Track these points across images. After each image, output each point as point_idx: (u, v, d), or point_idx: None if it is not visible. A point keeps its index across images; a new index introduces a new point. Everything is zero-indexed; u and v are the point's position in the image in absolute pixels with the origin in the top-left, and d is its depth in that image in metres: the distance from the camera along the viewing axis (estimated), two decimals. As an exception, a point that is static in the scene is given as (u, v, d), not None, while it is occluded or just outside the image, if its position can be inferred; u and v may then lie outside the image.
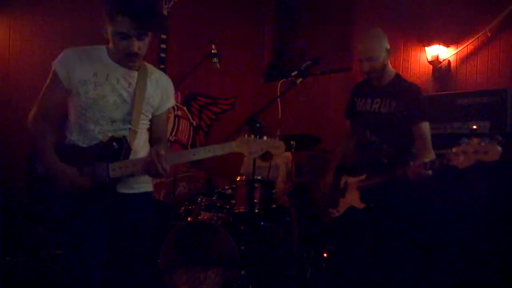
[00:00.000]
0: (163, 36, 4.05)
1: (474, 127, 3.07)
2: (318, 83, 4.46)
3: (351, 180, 2.48)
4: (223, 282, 2.96)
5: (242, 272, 2.92)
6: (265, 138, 1.82)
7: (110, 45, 1.78)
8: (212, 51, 3.44)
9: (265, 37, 5.26)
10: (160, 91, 1.91)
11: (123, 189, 1.79)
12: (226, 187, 3.37)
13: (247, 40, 5.10)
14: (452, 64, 3.97)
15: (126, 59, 1.76)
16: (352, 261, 2.47)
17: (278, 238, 3.39)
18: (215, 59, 3.44)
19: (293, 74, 2.74)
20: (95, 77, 1.76)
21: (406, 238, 2.45)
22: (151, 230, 1.93)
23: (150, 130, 1.94)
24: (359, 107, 2.56)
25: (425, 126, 2.34)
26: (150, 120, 1.93)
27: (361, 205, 2.38)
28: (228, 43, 4.73)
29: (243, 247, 2.99)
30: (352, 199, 2.43)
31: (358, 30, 4.42)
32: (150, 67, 1.93)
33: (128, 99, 1.81)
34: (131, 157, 1.77)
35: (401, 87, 2.43)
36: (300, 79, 2.78)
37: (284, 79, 2.87)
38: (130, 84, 1.82)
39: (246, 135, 1.81)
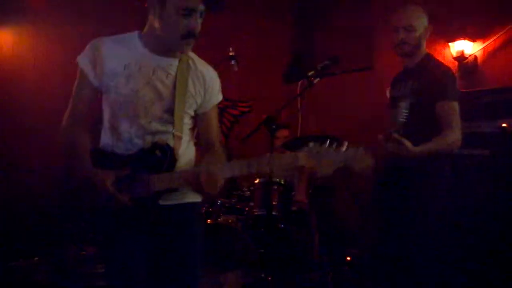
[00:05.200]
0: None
1: (504, 125, 2.94)
2: (338, 82, 4.39)
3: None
4: (242, 285, 2.96)
5: (262, 275, 2.90)
6: (343, 148, 1.33)
7: (149, 29, 1.54)
8: (230, 54, 3.44)
9: (284, 37, 5.23)
10: (205, 83, 1.62)
11: (163, 201, 1.52)
12: (245, 189, 3.36)
13: (266, 41, 5.07)
14: (479, 60, 3.83)
15: (183, 41, 1.49)
16: None
17: (299, 240, 3.35)
18: (233, 62, 3.44)
19: (309, 74, 2.72)
20: (126, 69, 1.52)
21: None
22: (197, 249, 1.63)
23: (195, 130, 1.69)
24: (395, 93, 2.46)
25: (448, 106, 2.19)
26: (195, 118, 1.66)
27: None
28: (246, 44, 4.72)
29: (262, 250, 2.97)
30: None
31: (378, 28, 4.33)
32: (192, 54, 1.64)
33: (166, 93, 1.54)
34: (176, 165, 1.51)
35: (429, 66, 2.32)
36: (318, 79, 2.76)
37: (304, 80, 2.86)
38: (168, 75, 1.55)
39: (312, 143, 1.35)
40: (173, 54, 1.58)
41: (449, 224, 2.55)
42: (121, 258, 1.56)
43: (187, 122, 1.63)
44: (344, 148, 1.33)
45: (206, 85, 1.63)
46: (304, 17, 5.18)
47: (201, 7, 1.48)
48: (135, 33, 1.59)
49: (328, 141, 1.34)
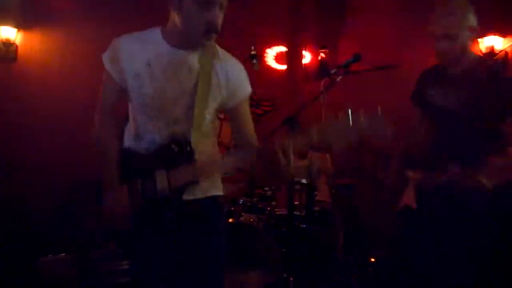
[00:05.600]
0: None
1: None
2: (361, 80, 4.33)
3: (411, 175, 2.11)
4: (264, 285, 2.95)
5: (284, 275, 2.88)
6: (355, 119, 1.31)
7: (170, 24, 1.51)
8: (252, 53, 3.44)
9: (307, 35, 5.18)
10: (228, 74, 1.56)
11: (186, 196, 1.51)
12: (266, 188, 3.34)
13: (288, 39, 5.05)
14: (510, 56, 3.70)
15: (204, 35, 1.45)
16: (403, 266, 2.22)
17: (322, 241, 3.32)
18: (254, 61, 3.44)
19: (332, 71, 2.69)
20: (148, 67, 1.48)
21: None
22: (220, 242, 1.63)
23: (221, 130, 1.71)
24: (431, 99, 2.11)
25: None
26: (226, 117, 1.68)
27: (414, 206, 2.03)
28: (269, 43, 4.71)
29: (284, 250, 2.95)
30: (408, 197, 2.08)
31: (405, 25, 4.24)
32: (216, 47, 1.58)
33: (189, 88, 1.50)
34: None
35: (484, 73, 1.96)
36: (340, 77, 2.72)
37: (327, 78, 2.82)
38: (191, 70, 1.51)
39: (328, 117, 1.33)
40: (196, 48, 1.53)
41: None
42: (146, 254, 1.57)
43: (210, 117, 1.57)
44: (359, 118, 1.28)
45: (230, 76, 1.57)
46: (326, 14, 5.12)
47: None
48: (158, 29, 1.55)
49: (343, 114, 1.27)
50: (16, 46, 3.89)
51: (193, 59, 1.52)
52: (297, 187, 3.20)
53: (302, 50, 5.06)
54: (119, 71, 1.52)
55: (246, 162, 1.51)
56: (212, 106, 1.55)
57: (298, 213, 3.16)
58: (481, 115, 1.93)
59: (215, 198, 1.62)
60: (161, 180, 1.46)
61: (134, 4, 4.23)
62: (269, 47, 4.74)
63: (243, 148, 1.65)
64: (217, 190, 1.64)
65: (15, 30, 3.86)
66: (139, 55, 1.50)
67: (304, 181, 3.24)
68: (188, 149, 1.48)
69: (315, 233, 3.26)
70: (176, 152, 1.48)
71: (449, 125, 2.01)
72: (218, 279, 1.61)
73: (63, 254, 3.32)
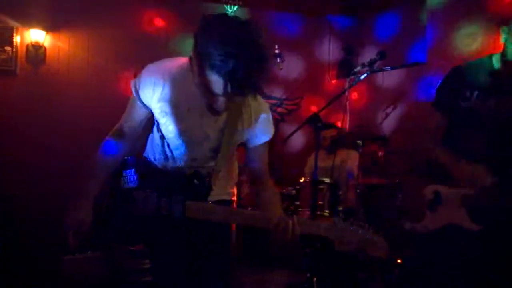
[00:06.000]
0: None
1: None
2: (387, 78, 4.25)
3: (446, 191, 1.92)
4: (287, 284, 2.94)
5: (308, 275, 2.86)
6: (360, 231, 1.42)
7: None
8: (275, 52, 3.43)
9: (333, 32, 5.12)
10: (252, 122, 1.57)
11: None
12: (290, 188, 3.33)
13: (314, 36, 5.00)
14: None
15: (208, 109, 1.46)
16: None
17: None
18: (278, 60, 3.43)
19: (356, 69, 2.65)
20: (176, 109, 1.51)
21: None
22: (226, 245, 1.73)
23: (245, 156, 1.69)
24: (468, 103, 1.89)
25: None
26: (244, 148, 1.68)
27: (473, 226, 1.83)
28: (293, 41, 4.68)
29: (308, 250, 2.93)
30: (455, 215, 1.89)
31: (431, 18, 4.13)
32: None
33: (213, 135, 1.55)
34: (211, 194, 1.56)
35: None
36: (365, 75, 2.68)
37: (352, 76, 2.79)
38: (217, 119, 1.52)
39: (337, 219, 1.45)
40: None
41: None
42: (162, 255, 1.65)
43: (232, 153, 1.66)
44: (365, 231, 1.42)
45: (254, 123, 1.58)
46: (355, 12, 5.06)
47: (225, 93, 1.33)
48: (186, 63, 1.44)
49: (352, 221, 1.44)
50: (45, 48, 4.00)
51: (221, 104, 1.42)
52: (321, 186, 3.16)
53: (326, 48, 5.02)
54: (148, 104, 1.54)
55: (257, 224, 1.54)
56: (234, 145, 1.63)
57: (322, 212, 3.13)
58: None
59: (223, 201, 1.68)
60: (176, 205, 1.53)
61: (158, 6, 4.29)
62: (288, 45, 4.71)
63: (256, 180, 1.70)
64: (227, 196, 1.73)
65: (43, 32, 3.97)
66: (169, 95, 1.50)
67: (328, 180, 3.21)
68: (208, 186, 1.55)
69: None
70: (197, 185, 1.55)
71: (496, 133, 1.83)
72: (224, 275, 1.70)
73: (89, 252, 3.38)
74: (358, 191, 3.35)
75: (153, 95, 1.51)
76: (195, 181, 1.55)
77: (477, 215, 1.82)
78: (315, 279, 2.83)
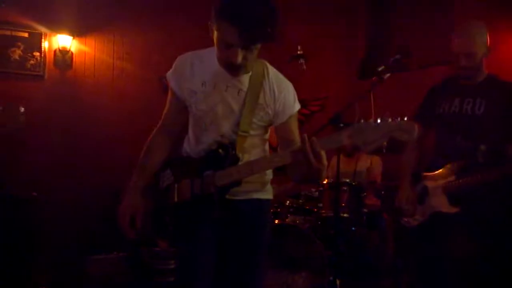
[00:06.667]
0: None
1: None
2: (413, 77, 4.16)
3: (432, 184, 2.29)
4: (311, 287, 2.90)
5: (331, 278, 2.82)
6: (382, 123, 1.32)
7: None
8: (298, 52, 3.41)
9: (358, 31, 5.05)
10: (275, 94, 1.64)
11: (230, 196, 1.62)
12: (313, 189, 3.29)
13: (338, 36, 4.95)
14: None
15: (228, 68, 1.57)
16: (444, 268, 2.23)
17: (370, 244, 3.22)
18: (301, 60, 3.40)
19: (379, 69, 2.60)
20: (203, 87, 1.63)
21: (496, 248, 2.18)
22: (258, 244, 1.71)
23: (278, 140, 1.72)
24: (443, 109, 2.32)
25: None
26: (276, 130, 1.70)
27: (452, 209, 2.18)
28: (317, 41, 4.65)
29: (331, 252, 2.89)
30: (438, 204, 2.25)
31: (457, 19, 4.03)
32: (267, 68, 1.67)
33: (236, 108, 1.63)
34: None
35: (498, 85, 2.23)
36: (388, 74, 2.63)
37: (376, 76, 2.74)
38: (240, 90, 1.62)
39: (362, 120, 1.34)
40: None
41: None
42: (191, 252, 1.66)
43: (258, 132, 1.68)
44: (386, 122, 1.32)
45: (277, 96, 1.64)
46: (378, 9, 4.98)
47: (242, 43, 1.46)
48: (214, 49, 1.60)
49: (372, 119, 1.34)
50: (72, 53, 4.11)
51: (244, 80, 1.62)
52: (344, 188, 3.12)
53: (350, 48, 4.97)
54: (179, 87, 1.67)
55: (281, 162, 1.54)
56: (258, 124, 1.66)
57: (345, 215, 3.09)
58: (497, 118, 2.16)
59: (257, 200, 1.71)
60: (208, 179, 1.59)
61: (182, 11, 4.33)
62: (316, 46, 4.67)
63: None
64: (262, 194, 1.74)
65: (70, 38, 4.07)
66: (197, 75, 1.64)
67: (350, 182, 3.16)
68: (233, 152, 1.60)
69: (363, 235, 3.17)
70: (223, 155, 1.60)
71: (469, 128, 2.19)
72: (256, 279, 1.69)
73: (115, 252, 3.44)
74: (382, 193, 3.29)
75: (185, 77, 1.65)
76: (220, 151, 1.60)
77: (454, 199, 2.17)
78: (338, 282, 2.79)
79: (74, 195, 3.80)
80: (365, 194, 3.26)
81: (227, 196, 1.60)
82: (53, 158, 3.85)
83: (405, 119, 1.31)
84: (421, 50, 4.18)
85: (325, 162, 1.41)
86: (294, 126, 1.69)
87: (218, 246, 1.67)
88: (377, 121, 1.32)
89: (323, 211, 3.15)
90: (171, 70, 1.70)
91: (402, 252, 3.13)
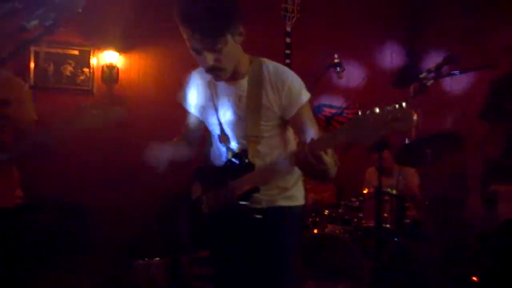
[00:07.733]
0: (287, 51, 4.15)
1: None
2: (456, 83, 4.03)
3: (503, 189, 2.11)
4: (352, 298, 2.84)
5: (373, 290, 2.75)
6: (380, 113, 1.16)
7: None
8: (335, 61, 3.39)
9: (393, 39, 4.97)
10: (282, 92, 1.58)
11: (253, 205, 1.59)
12: (353, 199, 3.24)
13: (374, 44, 4.89)
14: None
15: (210, 75, 1.57)
16: None
17: (415, 256, 3.11)
18: (338, 69, 3.39)
19: (421, 75, 2.54)
20: (209, 101, 1.68)
21: None
22: (283, 251, 1.67)
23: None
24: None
25: None
26: (286, 125, 1.67)
27: None
28: (353, 49, 4.61)
29: (373, 264, 2.82)
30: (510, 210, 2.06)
31: (498, 21, 3.87)
32: (261, 65, 1.61)
33: (242, 114, 1.62)
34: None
35: None
36: (431, 81, 2.56)
37: (416, 83, 2.68)
38: (241, 97, 1.61)
39: (360, 112, 1.20)
40: (238, 75, 1.60)
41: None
42: (220, 261, 1.73)
43: (269, 131, 1.63)
44: (383, 111, 1.16)
45: (280, 91, 1.58)
46: (414, 16, 4.88)
47: (202, 45, 1.45)
48: None
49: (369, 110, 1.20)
50: (118, 68, 4.30)
51: (243, 85, 1.61)
52: (386, 198, 3.05)
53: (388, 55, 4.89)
54: (190, 106, 1.75)
55: (282, 167, 1.52)
56: (269, 124, 1.62)
57: (387, 225, 3.01)
58: None
59: (282, 208, 1.67)
60: (229, 189, 1.60)
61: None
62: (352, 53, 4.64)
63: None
64: (286, 201, 1.69)
65: (117, 54, 4.27)
66: (203, 90, 1.70)
67: (393, 192, 3.09)
68: (246, 160, 1.58)
69: (407, 247, 3.07)
70: (237, 164, 1.61)
71: None
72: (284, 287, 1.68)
73: (157, 258, 3.53)
74: (426, 203, 3.18)
75: (193, 94, 1.71)
76: (233, 160, 1.63)
77: None
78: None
79: (119, 203, 3.94)
80: (407, 205, 3.16)
81: (249, 204, 1.57)
82: (100, 169, 4.02)
83: (397, 106, 1.14)
84: (461, 55, 4.05)
85: (327, 160, 1.31)
86: (306, 117, 1.60)
87: (245, 255, 1.68)
88: (375, 111, 1.18)
89: (364, 221, 3.09)
90: (180, 91, 1.76)
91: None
